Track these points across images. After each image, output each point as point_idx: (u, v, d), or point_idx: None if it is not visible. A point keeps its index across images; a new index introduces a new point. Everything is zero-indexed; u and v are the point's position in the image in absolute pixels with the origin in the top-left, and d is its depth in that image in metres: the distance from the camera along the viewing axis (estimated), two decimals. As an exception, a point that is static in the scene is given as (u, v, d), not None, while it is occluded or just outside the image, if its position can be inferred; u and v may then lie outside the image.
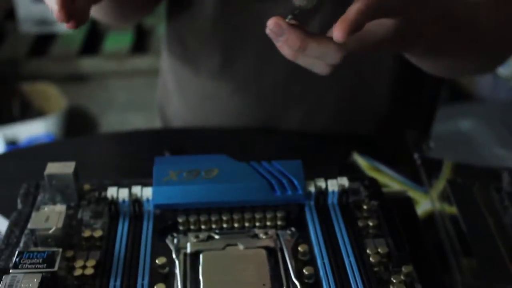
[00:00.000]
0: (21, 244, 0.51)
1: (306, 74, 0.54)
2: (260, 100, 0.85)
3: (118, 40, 1.98)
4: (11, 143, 1.71)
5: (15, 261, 0.45)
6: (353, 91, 0.84)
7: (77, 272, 0.48)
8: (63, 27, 1.50)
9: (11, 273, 0.44)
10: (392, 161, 0.76)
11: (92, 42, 1.97)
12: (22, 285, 0.42)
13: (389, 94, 0.84)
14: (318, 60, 0.48)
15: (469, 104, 1.91)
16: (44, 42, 1.95)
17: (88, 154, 0.75)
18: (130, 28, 1.99)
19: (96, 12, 0.75)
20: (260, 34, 0.52)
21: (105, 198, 0.54)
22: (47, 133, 1.74)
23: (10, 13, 1.98)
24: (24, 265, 0.45)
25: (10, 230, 0.53)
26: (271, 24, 0.46)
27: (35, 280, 0.43)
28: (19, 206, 0.56)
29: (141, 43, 1.99)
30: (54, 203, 0.55)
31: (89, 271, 0.48)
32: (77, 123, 1.89)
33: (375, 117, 0.87)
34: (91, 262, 0.49)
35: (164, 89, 0.94)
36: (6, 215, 0.69)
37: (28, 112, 1.83)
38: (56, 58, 1.90)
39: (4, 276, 0.43)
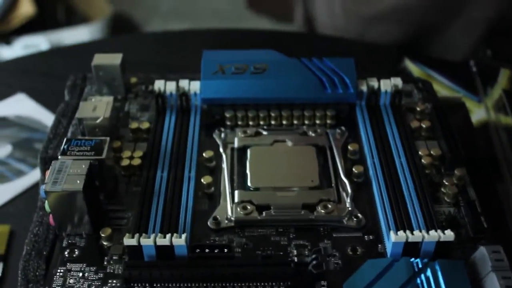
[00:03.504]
0: (69, 134, 0.51)
1: None
2: None
3: None
4: (56, 49, 1.72)
5: (63, 148, 0.45)
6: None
7: (124, 163, 0.48)
8: None
9: (60, 159, 0.44)
10: (445, 68, 0.73)
11: None
12: (71, 171, 0.42)
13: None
14: None
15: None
16: None
17: (134, 52, 0.74)
18: None
19: None
20: None
21: (152, 91, 0.53)
22: (91, 39, 1.74)
23: None
24: (72, 152, 0.44)
25: (57, 120, 0.53)
26: None
27: (83, 166, 0.43)
28: (66, 97, 0.55)
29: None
30: (101, 95, 0.54)
31: (136, 162, 0.48)
32: (121, 30, 1.87)
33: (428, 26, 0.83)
34: (138, 153, 0.49)
35: None
36: (52, 110, 0.70)
37: (73, 17, 1.82)
38: (100, -36, 1.87)
39: (53, 161, 0.43)
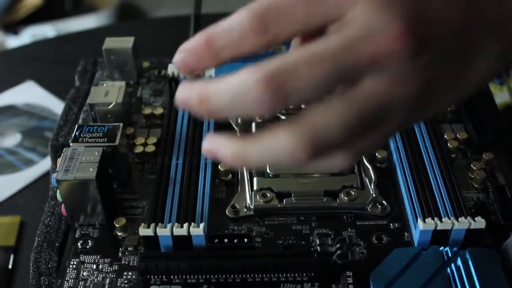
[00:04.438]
0: (80, 121, 0.50)
1: None
2: None
3: None
4: (64, 38, 1.70)
5: (75, 134, 0.43)
6: None
7: (138, 149, 0.46)
8: None
9: (72, 146, 0.42)
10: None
11: None
12: (83, 158, 0.40)
13: None
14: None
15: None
16: None
17: (144, 37, 0.72)
18: None
19: None
20: None
21: (166, 75, 0.51)
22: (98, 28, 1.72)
23: None
24: (84, 139, 0.43)
25: (68, 107, 0.51)
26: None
27: (96, 153, 0.41)
28: (77, 83, 0.53)
29: None
30: (113, 80, 0.52)
31: (150, 149, 0.46)
32: (129, 19, 1.85)
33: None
34: (152, 140, 0.47)
35: None
36: (61, 97, 0.68)
37: (80, 6, 1.80)
38: (107, -49, 1.85)
39: (64, 149, 0.41)
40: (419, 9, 0.28)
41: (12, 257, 0.53)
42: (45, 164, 0.62)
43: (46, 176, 0.60)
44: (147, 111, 0.49)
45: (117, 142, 0.42)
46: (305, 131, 0.27)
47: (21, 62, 0.74)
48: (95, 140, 0.42)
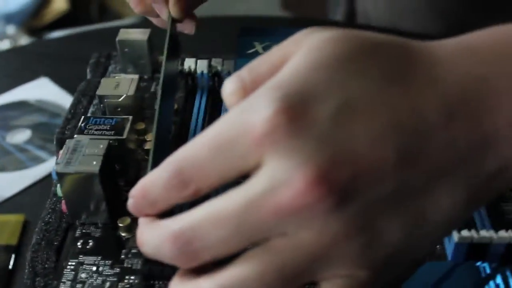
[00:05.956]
0: (89, 114, 0.47)
1: None
2: None
3: None
4: (89, 45, 1.69)
5: (81, 126, 0.40)
6: None
7: (148, 146, 0.43)
8: None
9: (76, 137, 0.39)
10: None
11: None
12: (87, 151, 0.37)
13: None
14: None
15: None
16: None
17: (160, 36, 0.70)
18: None
19: None
20: None
21: (182, 70, 0.48)
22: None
23: None
24: (90, 131, 0.39)
25: (77, 99, 0.48)
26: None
27: (101, 146, 0.38)
28: (88, 75, 0.51)
29: None
30: (126, 74, 0.49)
31: (162, 145, 0.43)
32: (153, 26, 1.85)
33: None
34: (163, 136, 0.44)
35: None
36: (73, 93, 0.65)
37: (106, 14, 1.79)
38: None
39: (67, 140, 0.38)
40: (336, 150, 0.24)
41: (13, 256, 0.50)
42: (53, 162, 0.59)
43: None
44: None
45: (125, 136, 0.39)
46: (216, 285, 0.26)
47: (37, 58, 0.72)
48: (102, 133, 0.39)
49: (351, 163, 0.24)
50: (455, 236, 0.35)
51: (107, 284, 0.35)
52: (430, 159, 0.26)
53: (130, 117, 0.40)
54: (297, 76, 0.27)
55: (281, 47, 0.29)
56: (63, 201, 0.38)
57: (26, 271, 0.37)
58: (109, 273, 0.36)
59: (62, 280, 0.35)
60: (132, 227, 0.38)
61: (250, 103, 0.27)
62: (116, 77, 0.45)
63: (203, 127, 0.44)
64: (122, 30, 0.49)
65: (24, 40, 1.64)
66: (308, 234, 0.25)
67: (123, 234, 0.38)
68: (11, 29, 1.70)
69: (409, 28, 0.76)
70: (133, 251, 0.37)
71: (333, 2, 0.95)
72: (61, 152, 0.38)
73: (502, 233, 0.35)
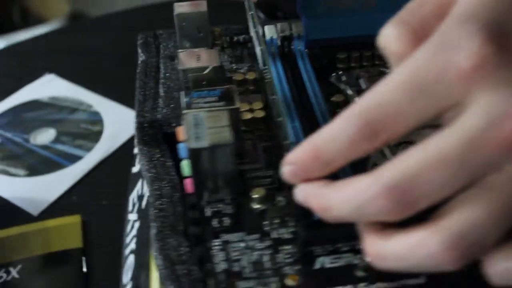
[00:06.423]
0: (162, 94, 0.44)
1: None
2: None
3: None
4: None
5: (185, 101, 0.37)
6: None
7: (246, 116, 0.41)
8: None
9: (189, 112, 0.36)
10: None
11: None
12: (210, 124, 0.35)
13: None
14: None
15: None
16: None
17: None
18: None
19: None
20: None
21: (243, 41, 0.46)
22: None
23: None
24: (198, 105, 0.37)
25: (142, 81, 0.45)
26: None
27: (221, 116, 0.35)
28: (141, 56, 0.47)
29: None
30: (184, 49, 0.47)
31: (259, 114, 0.41)
32: (82, 27, 1.78)
33: None
34: (257, 105, 0.42)
35: None
36: (90, 87, 0.62)
37: (28, 18, 1.71)
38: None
39: (184, 115, 0.35)
40: None
41: (84, 260, 0.47)
42: (90, 158, 0.55)
43: (95, 170, 0.55)
44: (239, 77, 0.44)
45: (238, 105, 0.37)
46: (450, 233, 0.25)
47: (32, 55, 0.67)
48: (212, 105, 0.37)
49: None
50: None
51: (265, 257, 0.33)
52: None
53: (234, 86, 0.38)
54: (484, 5, 0.26)
55: None
56: (186, 181, 0.36)
57: (158, 260, 0.35)
58: (261, 246, 0.34)
59: (215, 262, 0.33)
60: (267, 197, 0.36)
61: (444, 39, 0.26)
62: (194, 50, 0.42)
63: (291, 92, 0.42)
64: (177, 4, 0.46)
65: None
66: None
67: (257, 206, 0.36)
68: None
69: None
70: (276, 221, 0.35)
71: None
72: (180, 128, 0.35)
73: None
